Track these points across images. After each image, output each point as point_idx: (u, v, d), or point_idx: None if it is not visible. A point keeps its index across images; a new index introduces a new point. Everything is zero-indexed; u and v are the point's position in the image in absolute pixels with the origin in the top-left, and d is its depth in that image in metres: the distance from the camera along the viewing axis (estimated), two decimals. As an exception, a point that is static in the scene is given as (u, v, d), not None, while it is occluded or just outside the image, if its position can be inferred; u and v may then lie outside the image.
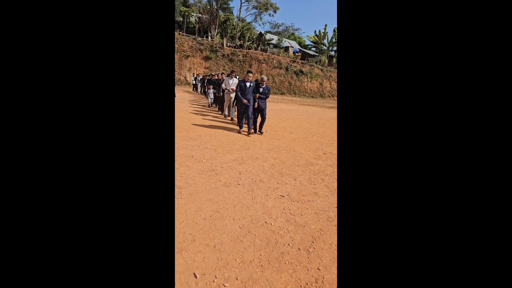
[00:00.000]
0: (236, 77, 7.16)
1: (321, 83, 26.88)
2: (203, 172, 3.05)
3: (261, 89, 5.54)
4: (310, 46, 36.26)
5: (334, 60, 30.04)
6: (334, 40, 30.55)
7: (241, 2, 27.18)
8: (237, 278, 1.44)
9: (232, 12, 32.43)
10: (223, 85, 7.26)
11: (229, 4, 31.36)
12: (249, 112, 5.46)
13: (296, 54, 29.96)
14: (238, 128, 5.90)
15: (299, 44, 38.42)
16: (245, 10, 29.65)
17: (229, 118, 7.49)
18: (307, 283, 1.45)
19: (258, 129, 5.78)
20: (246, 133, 5.47)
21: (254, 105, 5.48)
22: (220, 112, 8.50)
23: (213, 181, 2.80)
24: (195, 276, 1.43)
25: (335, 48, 31.84)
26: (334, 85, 27.22)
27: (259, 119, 5.80)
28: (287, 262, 1.60)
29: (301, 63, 26.90)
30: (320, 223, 2.11)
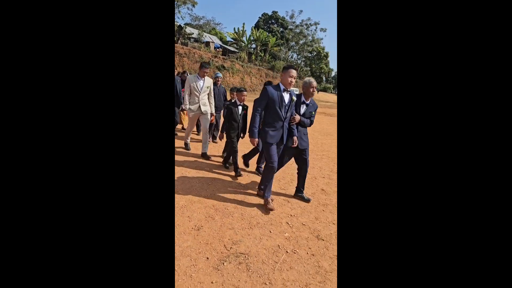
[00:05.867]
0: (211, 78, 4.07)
1: (242, 78, 28.99)
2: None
3: (303, 108, 2.67)
4: (230, 42, 37.94)
5: (253, 57, 32.68)
6: (252, 38, 33.04)
7: (157, -8, 26.23)
8: (182, 190, 2.78)
9: (147, 1, 30.54)
10: (186, 96, 3.75)
11: (144, -8, 29.42)
12: (282, 158, 2.73)
13: (217, 49, 31.15)
14: (254, 192, 2.90)
15: (220, 39, 39.55)
16: (162, 1, 27.95)
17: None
18: (229, 188, 2.91)
19: (297, 191, 2.86)
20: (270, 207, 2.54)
21: (287, 141, 2.60)
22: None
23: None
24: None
25: (253, 45, 34.48)
26: (254, 80, 29.86)
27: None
28: (213, 185, 3.03)
29: (223, 58, 28.26)
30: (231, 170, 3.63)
